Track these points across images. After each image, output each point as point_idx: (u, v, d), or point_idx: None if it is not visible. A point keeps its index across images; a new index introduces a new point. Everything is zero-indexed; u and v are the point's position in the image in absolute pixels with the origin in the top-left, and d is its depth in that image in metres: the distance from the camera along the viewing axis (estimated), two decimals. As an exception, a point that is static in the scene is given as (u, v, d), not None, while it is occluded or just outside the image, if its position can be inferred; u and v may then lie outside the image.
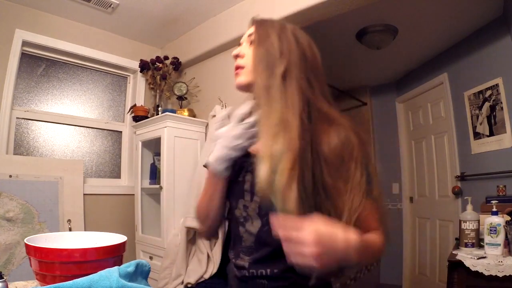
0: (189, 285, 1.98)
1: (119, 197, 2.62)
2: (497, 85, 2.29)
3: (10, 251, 1.93)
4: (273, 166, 0.66)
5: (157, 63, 2.59)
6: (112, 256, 0.73)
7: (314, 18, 2.01)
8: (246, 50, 0.87)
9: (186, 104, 2.69)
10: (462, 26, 2.47)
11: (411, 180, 3.46)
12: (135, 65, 2.72)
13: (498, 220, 1.53)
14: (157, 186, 2.27)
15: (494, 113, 2.32)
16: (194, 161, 2.34)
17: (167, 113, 2.26)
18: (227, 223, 0.91)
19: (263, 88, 0.77)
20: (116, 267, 0.63)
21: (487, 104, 2.39)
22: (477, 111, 2.48)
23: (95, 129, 2.67)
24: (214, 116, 2.30)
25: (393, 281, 3.51)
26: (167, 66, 2.63)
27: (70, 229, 2.19)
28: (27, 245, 0.70)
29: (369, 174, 0.71)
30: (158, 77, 2.60)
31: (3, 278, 0.69)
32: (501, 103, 2.26)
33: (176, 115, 2.32)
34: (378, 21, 2.41)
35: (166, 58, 2.63)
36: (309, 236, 0.54)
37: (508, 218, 1.59)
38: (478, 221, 1.67)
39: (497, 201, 1.62)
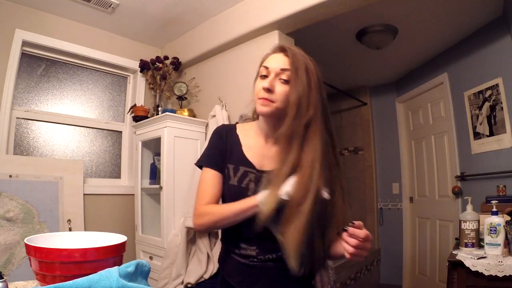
0: (189, 285, 1.99)
1: (119, 197, 2.62)
2: (497, 85, 2.29)
3: (10, 251, 1.93)
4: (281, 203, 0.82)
5: (157, 63, 2.59)
6: (112, 256, 0.73)
7: (314, 18, 2.02)
8: (278, 87, 0.89)
9: (186, 104, 2.69)
10: (462, 26, 2.47)
11: (411, 180, 3.47)
12: (135, 65, 2.72)
13: (498, 220, 1.53)
14: (157, 186, 2.27)
15: (494, 113, 2.32)
16: (194, 161, 2.33)
17: (167, 113, 2.26)
18: None
19: (287, 136, 0.87)
20: (116, 267, 0.63)
21: (487, 104, 2.39)
22: (477, 111, 2.48)
23: (95, 129, 2.67)
24: (214, 116, 2.30)
25: (393, 281, 3.51)
26: (167, 66, 2.63)
27: (70, 229, 2.19)
28: (27, 245, 0.70)
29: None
30: (158, 77, 2.60)
31: (3, 278, 0.69)
32: (501, 103, 2.26)
33: (176, 115, 2.32)
34: (378, 21, 2.41)
35: (166, 58, 2.63)
36: (369, 235, 0.79)
37: (508, 218, 1.59)
38: (478, 221, 1.67)
39: (497, 201, 1.62)
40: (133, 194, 2.56)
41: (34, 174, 2.13)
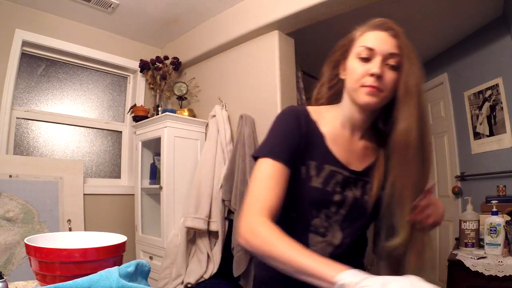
0: (189, 285, 1.99)
1: (119, 197, 2.62)
2: (497, 85, 2.30)
3: (10, 251, 1.93)
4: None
5: (157, 63, 2.59)
6: (112, 256, 0.73)
7: (314, 18, 2.02)
8: (387, 74, 0.73)
9: (186, 104, 2.69)
10: (462, 26, 2.47)
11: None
12: (135, 65, 2.72)
13: (498, 220, 1.53)
14: (157, 186, 2.27)
15: (494, 113, 2.33)
16: (194, 161, 2.34)
17: (167, 113, 2.26)
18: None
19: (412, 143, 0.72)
20: (116, 267, 0.63)
21: (487, 104, 2.39)
22: (477, 111, 2.48)
23: (95, 129, 2.67)
24: (214, 116, 2.30)
25: (393, 281, 3.50)
26: (167, 66, 2.63)
27: (70, 229, 2.19)
28: (27, 245, 0.70)
29: None
30: (158, 77, 2.60)
31: (3, 278, 0.69)
32: (501, 103, 2.26)
33: (176, 115, 2.32)
34: (378, 21, 2.41)
35: (166, 58, 2.63)
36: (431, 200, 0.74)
37: (508, 218, 1.59)
38: (478, 221, 1.67)
39: (497, 201, 1.62)
40: (133, 194, 2.56)
41: (34, 174, 2.13)
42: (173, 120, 2.27)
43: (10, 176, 2.04)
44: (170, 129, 2.25)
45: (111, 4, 2.28)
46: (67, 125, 2.51)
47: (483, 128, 2.42)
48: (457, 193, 2.70)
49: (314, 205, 0.77)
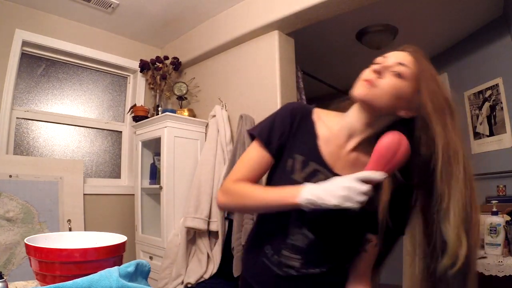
0: (189, 285, 1.99)
1: (119, 197, 2.62)
2: (497, 85, 2.30)
3: (10, 251, 1.93)
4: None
5: (157, 63, 2.59)
6: (112, 256, 0.73)
7: (314, 18, 2.02)
8: (388, 77, 0.75)
9: (186, 104, 2.69)
10: (462, 26, 2.47)
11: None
12: (135, 65, 2.72)
13: (498, 220, 1.53)
14: (157, 186, 2.27)
15: (494, 113, 2.33)
16: (194, 161, 2.34)
17: (167, 113, 2.26)
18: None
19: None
20: (116, 267, 0.63)
21: (487, 104, 2.39)
22: (477, 111, 2.48)
23: (95, 129, 2.67)
24: (214, 116, 2.30)
25: (393, 281, 3.50)
26: (167, 66, 2.63)
27: (70, 229, 2.19)
28: (27, 245, 0.70)
29: None
30: (158, 77, 2.60)
31: (3, 278, 0.69)
32: (501, 103, 2.26)
33: (176, 115, 2.32)
34: (378, 21, 2.41)
35: (166, 58, 2.63)
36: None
37: (508, 218, 1.59)
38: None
39: (497, 201, 1.62)
40: (133, 194, 2.56)
41: (34, 174, 2.13)
42: (173, 120, 2.27)
43: (10, 176, 2.04)
44: (170, 129, 2.25)
45: (111, 4, 2.28)
46: (67, 125, 2.51)
47: (483, 128, 2.42)
48: (457, 193, 2.70)
49: None
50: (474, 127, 2.51)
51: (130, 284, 0.59)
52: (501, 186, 1.96)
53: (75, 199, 2.29)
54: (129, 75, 2.89)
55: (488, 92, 2.37)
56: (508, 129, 2.22)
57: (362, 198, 0.65)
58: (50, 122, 2.43)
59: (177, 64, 2.65)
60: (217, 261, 2.00)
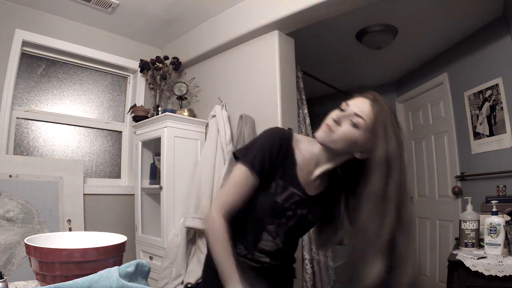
0: (189, 285, 1.99)
1: (119, 197, 2.62)
2: (497, 85, 2.30)
3: (10, 251, 1.93)
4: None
5: (157, 63, 2.59)
6: (112, 256, 0.73)
7: (314, 18, 2.02)
8: (345, 125, 0.88)
9: (186, 104, 2.69)
10: (462, 26, 2.47)
11: (411, 180, 3.46)
12: (135, 65, 2.72)
13: (498, 220, 1.53)
14: (157, 186, 2.27)
15: (494, 113, 2.33)
16: (194, 161, 2.34)
17: (167, 113, 2.26)
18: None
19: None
20: (116, 267, 0.63)
21: (487, 104, 2.39)
22: (477, 111, 2.48)
23: (95, 129, 2.67)
24: (214, 116, 2.30)
25: (393, 281, 3.50)
26: (167, 66, 2.63)
27: (70, 229, 2.19)
28: (27, 245, 0.70)
29: None
30: (158, 77, 2.60)
31: (3, 278, 0.69)
32: (501, 103, 2.26)
33: (176, 115, 2.32)
34: (378, 21, 2.41)
35: (166, 58, 2.63)
36: None
37: (508, 218, 1.59)
38: (478, 221, 1.67)
39: (497, 201, 1.62)
40: (133, 194, 2.56)
41: (34, 174, 2.13)
42: (173, 120, 2.27)
43: (10, 176, 2.04)
44: (170, 129, 2.25)
45: (111, 4, 2.28)
46: (67, 125, 2.51)
47: (483, 128, 2.42)
48: (457, 193, 2.70)
49: (272, 214, 0.97)
50: (474, 127, 2.51)
51: (130, 284, 0.59)
52: (501, 186, 1.96)
53: (75, 199, 2.29)
54: (129, 75, 2.89)
55: (488, 92, 2.37)
56: (508, 129, 2.21)
57: None
58: (50, 122, 2.43)
59: (177, 64, 2.65)
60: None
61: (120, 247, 0.76)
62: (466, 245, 1.66)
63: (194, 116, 2.50)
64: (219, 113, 2.26)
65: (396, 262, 0.84)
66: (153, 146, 2.52)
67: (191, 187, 2.16)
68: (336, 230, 1.06)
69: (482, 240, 1.61)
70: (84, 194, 2.36)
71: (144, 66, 2.60)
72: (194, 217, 2.00)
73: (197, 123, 2.42)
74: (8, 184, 2.02)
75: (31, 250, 0.69)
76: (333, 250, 2.37)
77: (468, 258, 1.49)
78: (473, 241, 1.65)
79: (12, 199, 2.02)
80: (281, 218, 0.98)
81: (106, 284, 0.57)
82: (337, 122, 0.89)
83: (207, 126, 2.43)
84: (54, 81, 2.48)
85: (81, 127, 2.59)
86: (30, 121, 2.34)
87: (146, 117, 2.49)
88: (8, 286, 0.71)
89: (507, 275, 1.38)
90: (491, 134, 2.35)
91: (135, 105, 2.63)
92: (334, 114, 0.91)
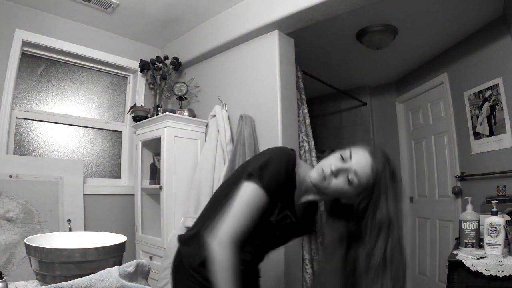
0: (189, 285, 1.99)
1: (119, 197, 2.62)
2: (497, 85, 2.29)
3: (10, 251, 1.93)
4: None
5: (157, 63, 2.59)
6: (112, 256, 0.73)
7: (314, 18, 2.02)
8: (340, 180, 0.91)
9: (186, 104, 2.69)
10: (462, 26, 2.47)
11: (411, 180, 3.46)
12: (135, 65, 2.72)
13: (498, 220, 1.53)
14: (157, 186, 2.27)
15: (494, 113, 2.32)
16: (194, 161, 2.34)
17: (167, 113, 2.26)
18: None
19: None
20: (116, 267, 0.63)
21: (487, 104, 2.39)
22: (477, 111, 2.48)
23: (95, 129, 2.67)
24: (214, 116, 2.30)
25: None
26: (167, 66, 2.63)
27: (70, 229, 2.19)
28: (27, 245, 0.70)
29: None
30: (158, 77, 2.60)
31: (3, 278, 0.69)
32: (501, 103, 2.26)
33: (176, 115, 2.32)
34: (378, 21, 2.41)
35: (166, 58, 2.63)
36: None
37: (508, 218, 1.59)
38: (478, 221, 1.67)
39: (497, 201, 1.62)
40: (133, 194, 2.56)
41: (34, 174, 2.13)
42: (173, 120, 2.27)
43: (10, 176, 2.04)
44: (170, 129, 2.25)
45: (111, 4, 2.28)
46: (67, 125, 2.51)
47: (483, 128, 2.42)
48: (457, 193, 2.70)
49: (261, 231, 0.98)
50: (474, 127, 2.51)
51: (130, 284, 0.59)
52: (501, 186, 1.95)
53: (75, 199, 2.29)
54: (129, 75, 2.89)
55: (488, 92, 2.37)
56: (508, 129, 2.21)
57: None
58: (50, 122, 2.43)
59: (177, 64, 2.65)
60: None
61: (120, 247, 0.76)
62: (466, 245, 1.66)
63: (194, 116, 2.50)
64: (219, 113, 2.26)
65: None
66: (153, 146, 2.52)
67: (191, 187, 2.16)
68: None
69: (482, 240, 1.61)
70: (84, 194, 2.36)
71: (144, 66, 2.60)
72: (194, 217, 2.00)
73: (197, 123, 2.42)
74: (8, 184, 2.02)
75: (31, 250, 0.69)
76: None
77: (468, 258, 1.49)
78: (473, 241, 1.65)
79: (12, 199, 2.02)
80: (268, 236, 1.02)
81: (106, 284, 0.57)
82: (334, 174, 0.91)
83: (207, 126, 2.43)
84: (54, 81, 2.48)
85: (81, 127, 2.59)
86: (30, 121, 2.34)
87: (146, 117, 2.49)
88: (8, 286, 0.71)
89: (507, 275, 1.38)
90: (491, 134, 2.35)
91: (135, 105, 2.63)
92: (334, 163, 0.91)
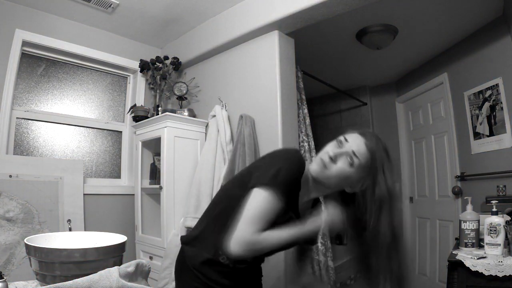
0: (189, 285, 1.99)
1: (119, 197, 2.62)
2: (497, 85, 2.29)
3: (10, 251, 1.93)
4: None
5: (157, 63, 2.59)
6: (112, 256, 0.74)
7: (314, 18, 2.02)
8: (341, 162, 0.92)
9: (186, 104, 2.69)
10: (462, 26, 2.47)
11: (411, 180, 3.46)
12: (135, 65, 2.72)
13: (498, 220, 1.53)
14: (157, 186, 2.27)
15: (494, 113, 2.32)
16: (194, 161, 2.34)
17: (167, 113, 2.26)
18: None
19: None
20: (116, 267, 0.63)
21: (487, 104, 2.39)
22: (477, 111, 2.48)
23: (95, 129, 2.67)
24: (214, 116, 2.30)
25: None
26: (167, 66, 2.63)
27: (70, 229, 2.19)
28: (27, 245, 0.70)
29: None
30: (158, 77, 2.60)
31: (3, 278, 0.69)
32: (501, 103, 2.26)
33: (176, 115, 2.32)
34: (378, 21, 2.41)
35: (166, 58, 2.63)
36: None
37: (508, 218, 1.59)
38: (478, 221, 1.67)
39: (497, 201, 1.62)
40: (133, 194, 2.56)
41: (34, 174, 2.13)
42: (173, 120, 2.27)
43: (10, 176, 2.04)
44: (170, 129, 2.25)
45: (111, 4, 2.28)
46: (67, 125, 2.51)
47: (483, 128, 2.42)
48: (457, 193, 2.70)
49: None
50: (474, 127, 2.51)
51: (130, 284, 0.59)
52: (501, 186, 1.95)
53: (75, 199, 2.29)
54: (129, 75, 2.89)
55: (488, 92, 2.37)
56: (508, 129, 2.21)
57: None
58: (50, 122, 2.43)
59: (177, 64, 2.65)
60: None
61: (120, 247, 0.76)
62: (466, 245, 1.66)
63: (194, 116, 2.50)
64: (219, 113, 2.26)
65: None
66: (153, 146, 2.52)
67: (191, 187, 2.16)
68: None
69: (482, 240, 1.61)
70: (84, 194, 2.36)
71: (144, 66, 2.60)
72: (194, 217, 2.00)
73: (197, 123, 2.42)
74: (8, 184, 2.02)
75: (31, 250, 0.69)
76: (333, 250, 2.37)
77: (468, 258, 1.49)
78: (473, 241, 1.65)
79: (12, 199, 2.02)
80: None
81: (106, 284, 0.57)
82: (333, 159, 0.91)
83: (207, 126, 2.43)
84: (54, 81, 2.48)
85: (81, 127, 2.59)
86: (30, 121, 2.34)
87: (146, 117, 2.49)
88: (8, 286, 0.71)
89: (507, 275, 1.38)
90: (491, 134, 2.35)
91: (135, 105, 2.63)
92: (331, 150, 0.93)
